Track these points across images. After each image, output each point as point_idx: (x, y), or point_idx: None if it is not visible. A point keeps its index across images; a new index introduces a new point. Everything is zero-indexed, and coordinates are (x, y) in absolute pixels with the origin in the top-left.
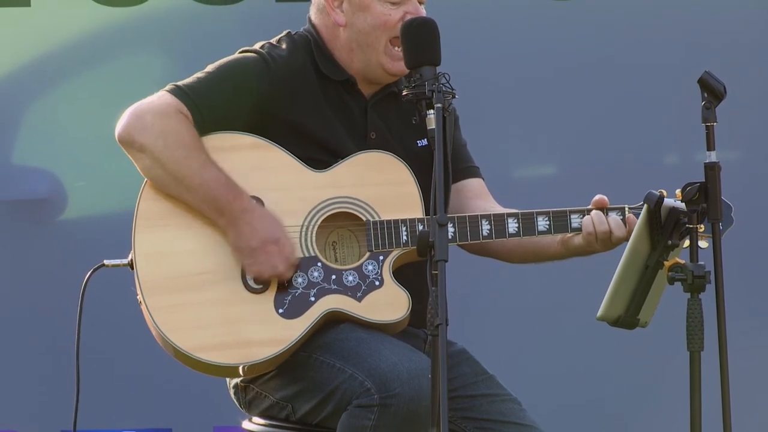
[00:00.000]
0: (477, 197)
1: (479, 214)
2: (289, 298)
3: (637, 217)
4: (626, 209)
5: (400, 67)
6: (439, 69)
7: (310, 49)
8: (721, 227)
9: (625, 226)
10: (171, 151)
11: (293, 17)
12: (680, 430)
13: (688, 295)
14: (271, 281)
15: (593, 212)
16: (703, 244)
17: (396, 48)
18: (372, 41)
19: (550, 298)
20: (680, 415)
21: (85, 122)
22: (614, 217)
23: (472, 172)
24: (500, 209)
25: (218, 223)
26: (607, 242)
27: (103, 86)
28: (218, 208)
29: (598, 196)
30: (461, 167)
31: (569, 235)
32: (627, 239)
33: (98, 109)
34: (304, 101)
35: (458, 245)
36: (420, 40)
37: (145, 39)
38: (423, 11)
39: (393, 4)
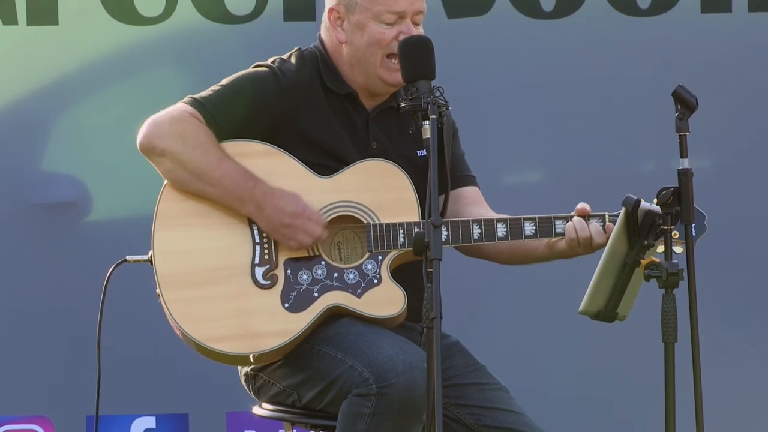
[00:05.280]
0: (473, 204)
1: (471, 219)
2: (295, 293)
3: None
4: (606, 217)
5: (397, 77)
6: (433, 83)
7: (317, 64)
8: (694, 234)
9: (605, 232)
10: (190, 151)
11: (299, 35)
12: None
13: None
14: (308, 250)
15: (575, 219)
16: (677, 249)
17: (393, 60)
18: (368, 57)
19: (542, 295)
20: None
21: (108, 132)
22: (595, 225)
23: (469, 180)
24: (493, 215)
25: (244, 211)
26: (588, 247)
27: (126, 99)
28: (240, 197)
29: (580, 205)
30: (459, 176)
31: (554, 239)
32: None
33: (121, 121)
34: (310, 112)
35: (454, 248)
36: (416, 56)
37: (164, 55)
38: (415, 32)
39: (387, 24)
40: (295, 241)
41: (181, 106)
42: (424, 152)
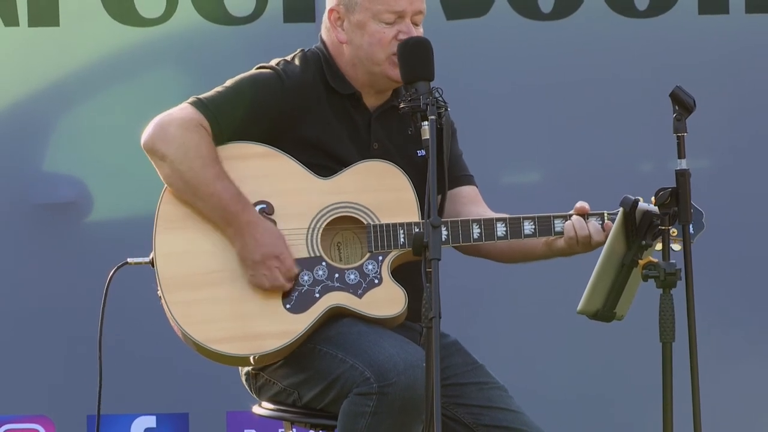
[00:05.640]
0: (471, 203)
1: (470, 218)
2: (296, 294)
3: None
4: (605, 215)
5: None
6: (433, 84)
7: (320, 65)
8: (692, 231)
9: (604, 231)
10: (189, 162)
11: (298, 36)
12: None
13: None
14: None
15: (574, 218)
16: (676, 246)
17: (395, 57)
18: (371, 56)
19: (541, 295)
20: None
21: (109, 133)
22: (594, 223)
23: (467, 180)
24: (492, 214)
25: (226, 233)
26: (587, 245)
27: (127, 100)
28: (226, 218)
29: (579, 203)
30: (457, 175)
31: (553, 238)
32: (605, 243)
33: (121, 122)
34: (313, 114)
35: (453, 247)
36: (415, 57)
37: (165, 56)
38: (414, 32)
39: (387, 24)
40: (255, 280)
41: (187, 110)
42: (423, 152)
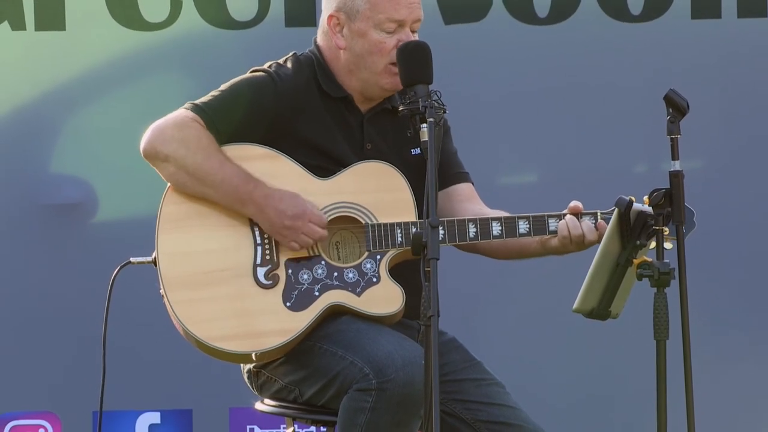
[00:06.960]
0: (467, 200)
1: (467, 218)
2: (296, 292)
3: (608, 222)
4: (598, 214)
5: (394, 82)
6: (431, 87)
7: (313, 68)
8: (684, 230)
9: (597, 230)
10: (192, 156)
11: (299, 40)
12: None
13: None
14: (308, 250)
15: (567, 217)
16: (668, 245)
17: (395, 67)
18: (369, 64)
19: (538, 294)
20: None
21: (114, 135)
22: (587, 222)
23: (462, 177)
24: (488, 210)
25: (245, 213)
26: (580, 244)
27: (131, 102)
28: (242, 199)
29: (573, 203)
30: (452, 173)
31: (547, 237)
32: (598, 242)
33: (126, 123)
34: (307, 115)
35: (450, 244)
36: (415, 61)
37: (169, 60)
38: (414, 38)
39: (388, 33)
40: (297, 243)
41: (181, 112)
42: (417, 150)
